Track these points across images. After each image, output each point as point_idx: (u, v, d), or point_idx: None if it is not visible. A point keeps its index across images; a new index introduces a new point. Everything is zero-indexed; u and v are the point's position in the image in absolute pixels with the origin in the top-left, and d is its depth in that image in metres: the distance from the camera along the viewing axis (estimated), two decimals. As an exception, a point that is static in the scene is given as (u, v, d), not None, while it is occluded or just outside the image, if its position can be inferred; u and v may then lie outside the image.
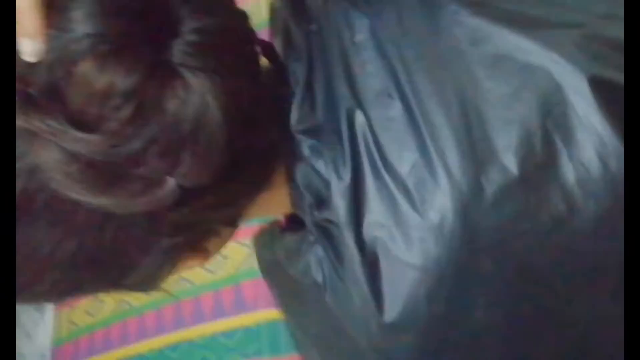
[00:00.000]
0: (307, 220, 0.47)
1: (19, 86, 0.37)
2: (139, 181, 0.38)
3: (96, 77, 0.36)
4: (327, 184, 0.45)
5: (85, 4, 0.37)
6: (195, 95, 0.37)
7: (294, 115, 0.46)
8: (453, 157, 0.41)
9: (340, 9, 0.47)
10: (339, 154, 0.44)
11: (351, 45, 0.46)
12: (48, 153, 0.37)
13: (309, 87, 0.46)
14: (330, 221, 0.45)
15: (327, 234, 0.45)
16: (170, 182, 0.38)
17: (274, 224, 0.57)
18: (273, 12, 0.56)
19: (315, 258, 0.46)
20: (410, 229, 0.41)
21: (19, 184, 0.38)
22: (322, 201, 0.45)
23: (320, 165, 0.45)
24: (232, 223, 0.47)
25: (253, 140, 0.43)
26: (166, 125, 0.37)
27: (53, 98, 0.37)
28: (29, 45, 0.37)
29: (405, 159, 0.42)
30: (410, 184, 0.42)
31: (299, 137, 0.46)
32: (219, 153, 0.39)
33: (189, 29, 0.38)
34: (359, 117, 0.44)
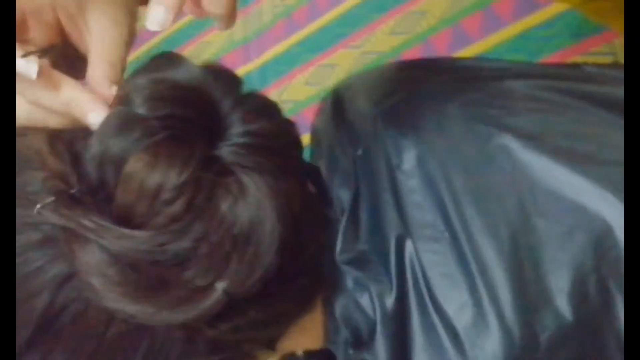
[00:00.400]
0: (340, 357, 0.45)
1: (59, 186, 0.35)
2: (183, 287, 0.35)
3: (148, 172, 0.34)
4: (370, 323, 0.42)
5: (144, 89, 0.36)
6: (250, 195, 0.36)
7: (338, 244, 0.44)
8: (505, 299, 0.39)
9: (389, 135, 0.46)
10: (386, 288, 0.42)
11: (399, 172, 0.44)
12: (87, 254, 0.35)
13: (354, 214, 0.45)
14: None
15: None
16: (218, 290, 0.35)
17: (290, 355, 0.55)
18: (316, 135, 0.55)
19: None
20: None
21: (44, 299, 0.36)
22: (360, 340, 0.43)
23: (365, 300, 0.43)
24: (271, 345, 0.44)
25: (301, 251, 0.40)
26: (218, 223, 0.35)
27: (99, 196, 0.35)
28: (96, 116, 0.36)
29: (454, 299, 0.40)
30: (459, 326, 0.39)
31: (343, 267, 0.44)
32: (270, 258, 0.36)
33: (238, 132, 0.37)
34: (409, 246, 0.42)
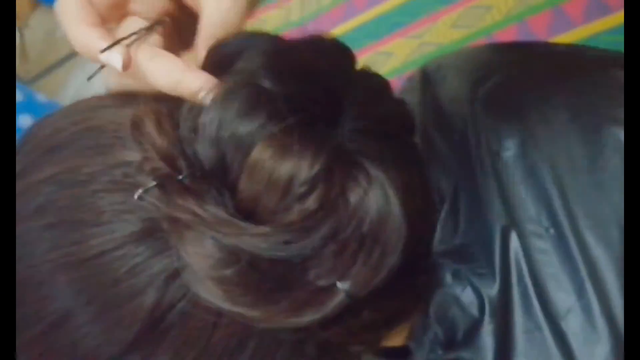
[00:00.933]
0: (420, 356, 0.42)
1: (164, 169, 0.32)
2: (304, 288, 0.32)
3: (278, 163, 0.31)
4: (471, 320, 0.39)
5: (267, 61, 0.33)
6: (377, 187, 0.32)
7: (436, 235, 0.41)
8: (617, 305, 0.36)
9: (488, 120, 0.43)
10: (488, 282, 0.39)
11: (499, 160, 0.41)
12: (200, 250, 0.31)
13: (454, 203, 0.42)
14: None
15: None
16: (340, 291, 0.32)
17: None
18: None
19: None
20: None
21: (150, 297, 0.32)
22: (453, 339, 0.40)
23: (466, 295, 0.40)
24: (375, 348, 0.41)
25: (420, 246, 0.38)
26: (348, 220, 0.32)
27: (213, 183, 0.32)
28: (207, 95, 0.33)
29: (560, 301, 0.37)
30: (566, 330, 0.37)
31: (442, 260, 0.41)
32: (395, 258, 0.33)
33: (354, 115, 0.34)
34: (514, 241, 0.39)
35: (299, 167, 0.31)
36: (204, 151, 0.32)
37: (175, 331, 0.33)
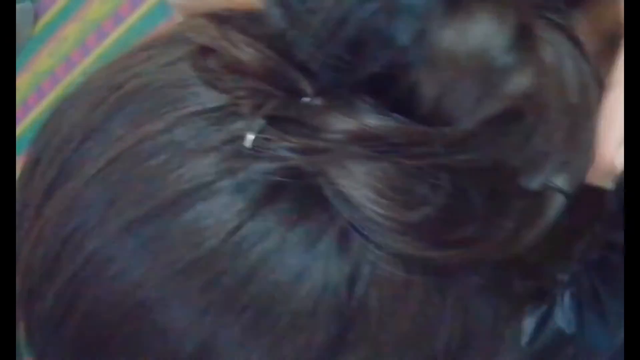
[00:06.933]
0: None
1: (273, 95, 0.23)
2: (521, 198, 0.24)
3: (465, 33, 0.22)
4: None
5: None
6: (564, 47, 0.24)
7: None
8: None
9: None
10: None
11: None
12: (377, 183, 0.22)
13: None
14: None
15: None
16: (557, 189, 0.24)
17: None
18: None
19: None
20: None
21: (315, 280, 0.23)
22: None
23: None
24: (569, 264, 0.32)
25: None
26: (557, 89, 0.24)
27: (369, 96, 0.23)
28: None
29: None
30: None
31: None
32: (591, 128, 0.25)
33: None
34: None
35: (493, 29, 0.23)
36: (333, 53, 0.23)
37: (363, 313, 0.24)
